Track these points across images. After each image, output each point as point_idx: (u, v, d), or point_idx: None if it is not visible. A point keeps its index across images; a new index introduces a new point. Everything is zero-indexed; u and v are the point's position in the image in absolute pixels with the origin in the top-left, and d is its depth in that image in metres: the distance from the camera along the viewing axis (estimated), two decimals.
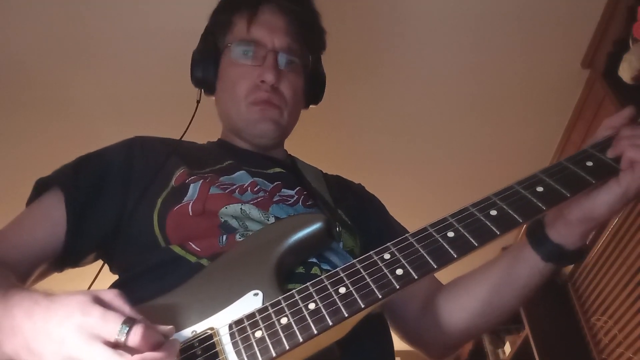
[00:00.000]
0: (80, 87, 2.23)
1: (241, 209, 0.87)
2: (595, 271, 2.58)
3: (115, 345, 0.57)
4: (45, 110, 2.30)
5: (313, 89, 1.15)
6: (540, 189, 0.73)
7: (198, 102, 1.12)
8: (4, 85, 2.18)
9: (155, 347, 0.59)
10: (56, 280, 0.93)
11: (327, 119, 2.34)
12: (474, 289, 0.89)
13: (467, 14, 2.06)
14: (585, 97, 2.35)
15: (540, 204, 0.72)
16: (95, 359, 0.57)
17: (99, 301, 0.60)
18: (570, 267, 2.78)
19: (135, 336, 0.57)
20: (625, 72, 1.96)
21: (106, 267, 0.95)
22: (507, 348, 3.38)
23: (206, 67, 1.09)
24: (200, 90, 1.12)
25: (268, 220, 0.87)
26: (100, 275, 0.93)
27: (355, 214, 1.04)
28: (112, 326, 0.58)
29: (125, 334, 0.57)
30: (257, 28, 1.04)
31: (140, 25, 2.03)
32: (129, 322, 0.58)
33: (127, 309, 0.61)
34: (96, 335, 0.57)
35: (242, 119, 1.05)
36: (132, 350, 0.57)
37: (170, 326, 0.64)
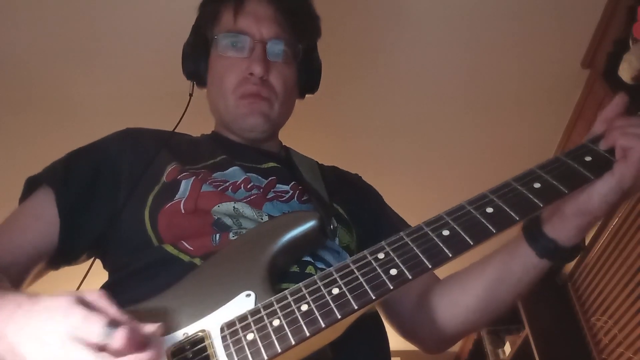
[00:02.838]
0: (81, 87, 2.23)
1: (234, 207, 0.86)
2: (595, 271, 2.57)
3: (100, 348, 0.56)
4: (47, 111, 2.30)
5: (307, 77, 1.11)
6: (537, 185, 0.71)
7: (190, 95, 1.11)
8: (6, 86, 2.17)
9: (140, 348, 0.58)
10: (48, 277, 0.93)
11: (323, 118, 2.34)
12: (469, 285, 0.88)
13: (466, 14, 2.05)
14: (585, 97, 2.34)
15: (537, 201, 0.70)
16: None
17: (83, 302, 0.59)
18: (571, 267, 2.78)
19: (119, 339, 0.56)
20: (625, 72, 1.95)
21: (97, 264, 0.93)
22: (507, 348, 3.37)
23: (196, 60, 1.08)
24: (193, 83, 1.11)
25: (262, 218, 0.86)
26: (91, 272, 0.91)
27: (352, 206, 1.02)
28: (95, 328, 0.56)
29: (109, 337, 0.56)
30: (244, 18, 1.02)
31: (142, 25, 2.03)
32: (113, 323, 0.57)
33: (111, 310, 0.60)
34: (79, 338, 0.56)
35: (231, 113, 1.03)
36: (116, 353, 0.56)
37: (157, 324, 0.63)
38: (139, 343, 0.58)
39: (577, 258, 2.46)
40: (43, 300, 0.61)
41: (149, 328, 0.61)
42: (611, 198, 0.72)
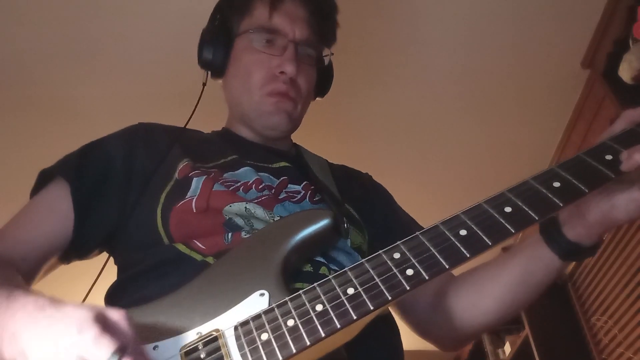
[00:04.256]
0: (83, 88, 2.22)
1: (246, 207, 0.85)
2: (595, 271, 2.58)
3: None
4: (47, 111, 2.29)
5: (322, 81, 1.13)
6: (557, 184, 0.70)
7: (204, 84, 1.10)
8: (6, 85, 2.16)
9: None
10: (63, 275, 0.92)
11: (328, 118, 2.33)
12: (487, 289, 0.88)
13: (467, 15, 2.05)
14: (585, 97, 2.35)
15: (557, 200, 0.68)
16: None
17: (102, 320, 0.58)
18: (571, 267, 2.78)
19: None
20: (625, 72, 1.95)
21: (110, 261, 0.93)
22: (507, 348, 3.37)
23: (216, 49, 1.06)
24: (207, 73, 1.09)
25: (273, 220, 0.86)
26: (105, 269, 0.91)
27: (363, 206, 1.02)
28: (101, 352, 0.55)
29: None
30: (280, 17, 1.02)
31: (143, 26, 2.02)
32: (120, 352, 0.55)
33: (128, 335, 0.58)
34: (82, 358, 0.55)
35: (255, 109, 1.02)
36: None
37: None
38: None
39: None
40: (65, 309, 0.59)
41: None
42: (636, 213, 0.71)
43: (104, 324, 0.57)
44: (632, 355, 2.29)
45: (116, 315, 0.59)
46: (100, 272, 0.90)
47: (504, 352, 3.45)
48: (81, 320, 0.57)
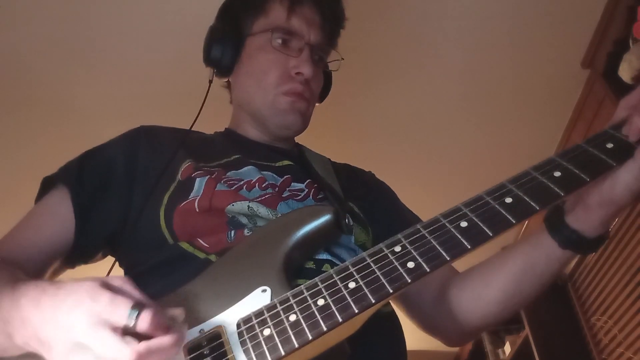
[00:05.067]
0: (83, 88, 2.22)
1: (249, 206, 0.86)
2: (595, 271, 2.58)
3: (124, 331, 0.57)
4: (47, 111, 2.28)
5: (324, 86, 1.15)
6: (558, 173, 0.69)
7: (210, 81, 1.10)
8: (6, 86, 2.16)
9: (164, 331, 0.59)
10: (71, 276, 0.92)
11: (328, 120, 2.34)
12: (491, 279, 0.87)
13: (467, 16, 2.05)
14: (585, 97, 2.35)
15: (557, 190, 0.68)
16: (103, 345, 0.56)
17: (108, 287, 0.60)
18: (571, 267, 2.78)
19: (144, 321, 0.57)
20: (625, 72, 1.96)
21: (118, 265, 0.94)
22: (507, 348, 3.37)
23: (226, 47, 1.06)
24: (213, 70, 1.10)
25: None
26: (112, 272, 0.92)
27: (366, 204, 1.02)
28: (121, 311, 0.57)
29: (134, 319, 0.57)
30: (297, 19, 1.04)
31: (144, 26, 2.02)
32: (138, 306, 0.58)
33: (136, 293, 0.61)
34: (104, 321, 0.57)
35: (269, 107, 1.03)
36: (140, 335, 0.57)
37: (180, 308, 0.64)
38: (163, 326, 0.59)
39: (577, 258, 2.45)
40: (68, 285, 0.61)
41: (172, 312, 0.62)
42: (635, 186, 0.69)
43: (111, 289, 0.60)
44: (632, 355, 2.29)
45: (118, 280, 0.62)
46: (107, 273, 0.90)
47: (504, 352, 3.45)
48: (90, 289, 0.59)
